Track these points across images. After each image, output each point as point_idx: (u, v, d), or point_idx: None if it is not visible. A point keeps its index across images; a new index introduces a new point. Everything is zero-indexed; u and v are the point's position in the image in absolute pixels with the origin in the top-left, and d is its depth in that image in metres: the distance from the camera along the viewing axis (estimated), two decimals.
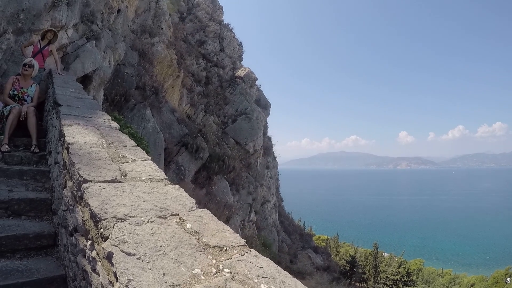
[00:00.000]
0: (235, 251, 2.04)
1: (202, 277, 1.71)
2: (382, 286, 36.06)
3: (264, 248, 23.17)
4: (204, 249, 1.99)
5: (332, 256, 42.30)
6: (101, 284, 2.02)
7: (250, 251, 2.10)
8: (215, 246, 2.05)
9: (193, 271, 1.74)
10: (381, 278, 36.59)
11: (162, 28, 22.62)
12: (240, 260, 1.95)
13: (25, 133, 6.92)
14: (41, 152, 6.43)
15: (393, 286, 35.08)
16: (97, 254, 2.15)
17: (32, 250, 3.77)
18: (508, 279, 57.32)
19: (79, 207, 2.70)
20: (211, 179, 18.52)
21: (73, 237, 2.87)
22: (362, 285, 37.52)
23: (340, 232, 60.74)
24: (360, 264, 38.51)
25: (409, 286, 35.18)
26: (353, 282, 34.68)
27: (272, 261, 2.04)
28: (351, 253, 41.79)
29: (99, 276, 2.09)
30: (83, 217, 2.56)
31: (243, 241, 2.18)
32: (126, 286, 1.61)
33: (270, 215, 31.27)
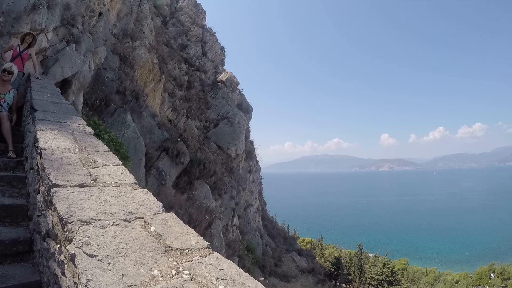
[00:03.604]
0: (197, 254, 2.10)
1: (161, 278, 1.76)
2: (368, 286, 36.28)
3: (248, 252, 23.15)
4: (165, 251, 2.04)
5: (317, 258, 42.49)
6: (68, 287, 2.05)
7: (213, 253, 2.16)
8: (177, 249, 2.10)
9: (152, 273, 1.80)
10: (366, 278, 36.81)
11: (144, 32, 22.53)
12: (200, 262, 2.01)
13: (2, 138, 6.85)
14: (18, 157, 6.33)
15: (378, 286, 35.30)
16: (65, 257, 2.18)
17: (8, 257, 3.73)
18: (492, 274, 58.42)
19: (50, 211, 2.73)
20: (192, 183, 18.44)
21: (46, 242, 2.89)
22: (348, 286, 37.71)
23: (324, 235, 60.94)
24: (345, 265, 38.69)
25: (394, 285, 35.44)
26: (338, 284, 34.87)
27: (234, 264, 2.10)
28: (335, 255, 42.00)
29: (67, 278, 2.12)
30: (52, 221, 2.59)
31: (206, 243, 2.24)
32: (86, 286, 1.66)
33: (254, 219, 31.32)
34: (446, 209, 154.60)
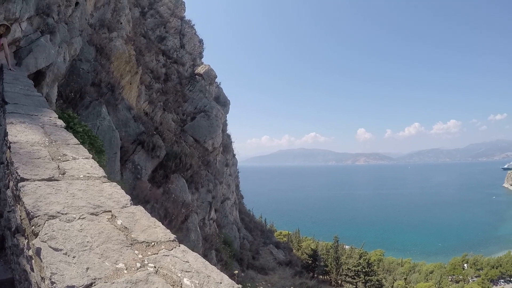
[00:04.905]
0: (163, 246, 2.13)
1: (125, 271, 1.79)
2: (344, 277, 37.03)
3: (225, 246, 23.20)
4: (131, 244, 2.07)
5: (294, 250, 42.90)
6: (37, 282, 2.06)
7: (179, 246, 2.19)
8: (143, 242, 2.13)
9: (117, 266, 1.82)
10: (343, 269, 37.52)
11: (121, 23, 22.17)
12: (166, 255, 2.04)
13: None
14: None
15: (355, 277, 36.09)
16: (32, 251, 2.18)
17: None
18: (465, 265, 60.68)
19: (18, 206, 2.70)
20: (168, 177, 18.30)
21: (15, 238, 2.86)
22: (325, 277, 38.26)
23: (301, 227, 61.68)
24: (322, 257, 39.24)
25: (371, 276, 36.22)
26: (315, 275, 35.31)
27: (200, 256, 2.13)
28: (312, 247, 42.52)
29: (35, 273, 2.12)
30: (21, 216, 2.57)
31: (172, 236, 2.27)
32: (50, 279, 1.68)
33: (231, 212, 31.35)
34: (420, 202, 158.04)
